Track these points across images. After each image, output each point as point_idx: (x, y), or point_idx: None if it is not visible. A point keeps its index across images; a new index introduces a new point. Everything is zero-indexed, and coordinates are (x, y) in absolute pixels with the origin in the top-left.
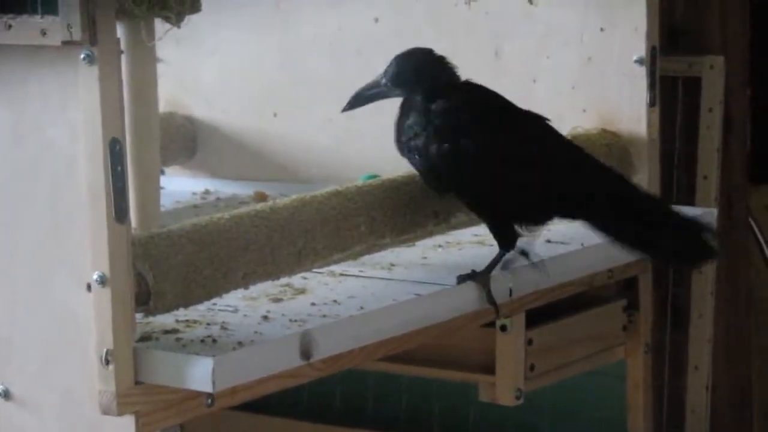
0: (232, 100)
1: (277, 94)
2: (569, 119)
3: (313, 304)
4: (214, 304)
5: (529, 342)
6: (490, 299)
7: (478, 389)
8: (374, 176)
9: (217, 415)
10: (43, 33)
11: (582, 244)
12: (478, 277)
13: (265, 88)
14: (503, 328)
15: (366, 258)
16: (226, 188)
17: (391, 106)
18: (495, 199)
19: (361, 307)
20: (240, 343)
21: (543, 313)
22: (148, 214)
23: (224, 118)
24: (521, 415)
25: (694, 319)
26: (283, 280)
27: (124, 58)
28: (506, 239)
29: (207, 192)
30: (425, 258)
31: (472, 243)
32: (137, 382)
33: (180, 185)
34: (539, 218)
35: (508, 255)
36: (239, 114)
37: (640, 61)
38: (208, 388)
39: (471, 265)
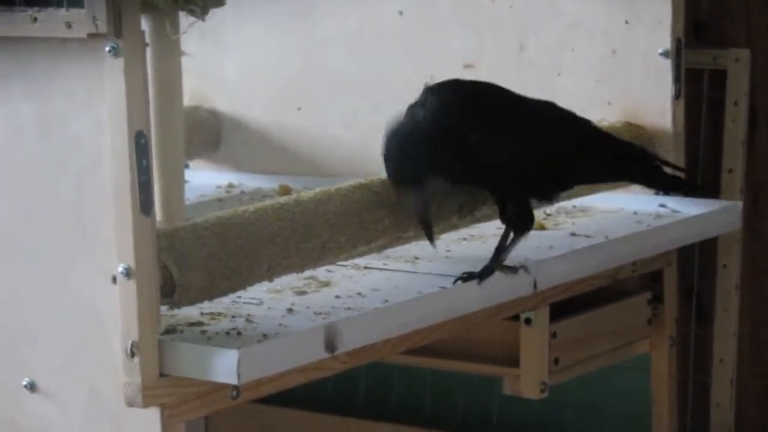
0: (256, 94)
1: (300, 89)
2: (594, 112)
3: (337, 296)
4: (239, 296)
5: (554, 335)
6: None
7: (502, 382)
8: None
9: (242, 409)
10: (69, 26)
11: (606, 237)
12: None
13: (289, 82)
14: (528, 321)
15: (390, 251)
16: (250, 182)
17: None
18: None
19: (386, 300)
20: (265, 336)
21: (567, 306)
22: (172, 208)
23: (248, 112)
24: (545, 408)
25: (720, 313)
26: (308, 273)
27: (148, 51)
28: (523, 219)
29: (231, 185)
30: (449, 251)
31: (496, 236)
32: (162, 375)
33: (204, 179)
34: (550, 191)
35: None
36: (263, 108)
37: (665, 54)
38: (233, 380)
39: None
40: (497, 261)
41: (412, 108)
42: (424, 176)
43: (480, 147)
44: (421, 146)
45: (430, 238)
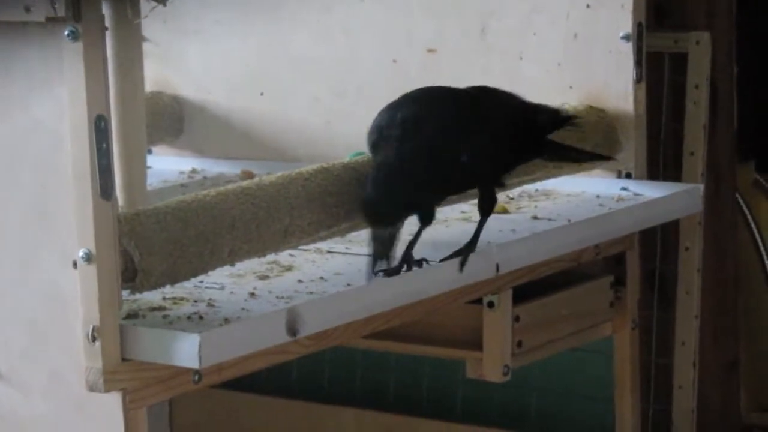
0: (219, 80)
1: (264, 74)
2: (556, 96)
3: (299, 281)
4: (201, 281)
5: (517, 319)
6: (463, 263)
7: (465, 366)
8: (362, 153)
9: (207, 395)
10: (27, 9)
11: (568, 220)
12: (465, 251)
13: (252, 68)
14: (490, 304)
15: (352, 235)
16: (212, 167)
17: (380, 84)
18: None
19: (348, 284)
20: (226, 320)
21: (530, 289)
22: (134, 193)
23: (211, 98)
24: (509, 392)
25: (681, 296)
26: (270, 258)
27: (109, 36)
28: (490, 204)
29: (194, 171)
30: (411, 235)
31: (459, 219)
32: (124, 359)
33: (167, 164)
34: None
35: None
36: (226, 93)
37: (626, 38)
38: (194, 364)
39: (458, 241)
40: (473, 246)
41: (385, 133)
42: (402, 215)
43: (471, 163)
44: (408, 184)
45: (375, 268)
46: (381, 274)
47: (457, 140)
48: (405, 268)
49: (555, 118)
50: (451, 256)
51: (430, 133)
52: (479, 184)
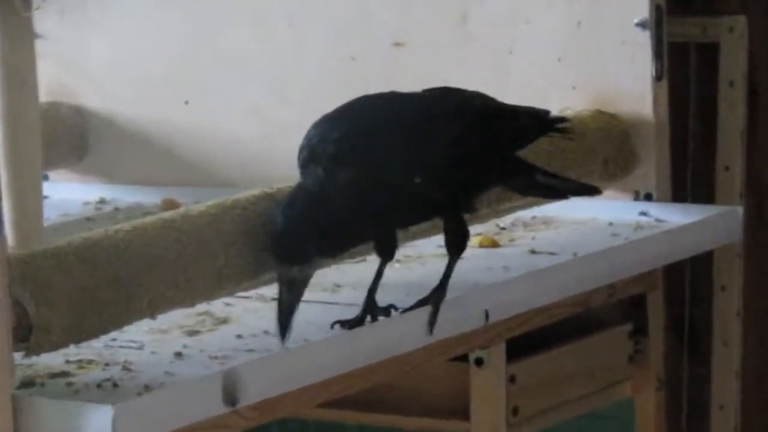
0: (131, 86)
1: (188, 77)
2: (556, 98)
3: (238, 336)
4: (114, 339)
5: (511, 379)
6: (432, 320)
7: None
8: None
9: None
10: None
11: (574, 254)
12: (434, 296)
13: (173, 70)
14: (479, 362)
15: None
16: (126, 196)
17: (334, 88)
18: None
19: (300, 339)
20: (147, 387)
21: (528, 342)
22: (28, 229)
23: (122, 109)
24: None
25: (718, 347)
26: (201, 307)
27: None
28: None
29: (102, 201)
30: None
31: (437, 256)
32: None
33: (68, 193)
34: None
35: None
36: (141, 103)
37: (642, 25)
38: None
39: (435, 283)
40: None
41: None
42: (323, 252)
43: (423, 186)
44: (332, 214)
45: (285, 328)
46: (338, 325)
47: (405, 158)
48: (369, 318)
49: (536, 121)
50: (414, 306)
51: (368, 150)
52: (441, 212)
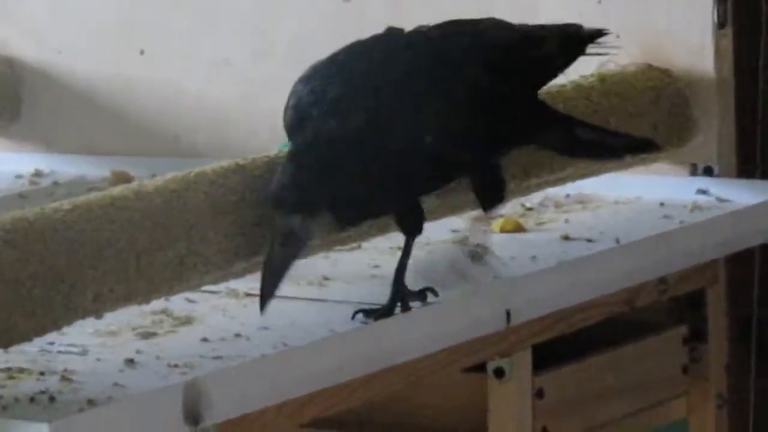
0: (74, 34)
1: (143, 23)
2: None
3: (204, 340)
4: (51, 343)
5: (539, 394)
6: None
7: None
8: None
9: None
10: None
11: (617, 241)
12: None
13: (125, 15)
14: (499, 372)
15: None
16: (67, 167)
17: (322, 36)
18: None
19: (279, 343)
20: (91, 402)
21: (558, 349)
22: None
23: (63, 62)
24: None
25: None
26: (157, 305)
27: None
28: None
29: (38, 173)
30: (377, 266)
31: (448, 240)
32: None
33: None
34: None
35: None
36: (86, 54)
37: None
38: None
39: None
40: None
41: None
42: (329, 212)
43: (439, 146)
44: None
45: (269, 294)
46: (361, 315)
47: (413, 116)
48: (400, 305)
49: (565, 43)
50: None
51: (371, 110)
52: (465, 171)
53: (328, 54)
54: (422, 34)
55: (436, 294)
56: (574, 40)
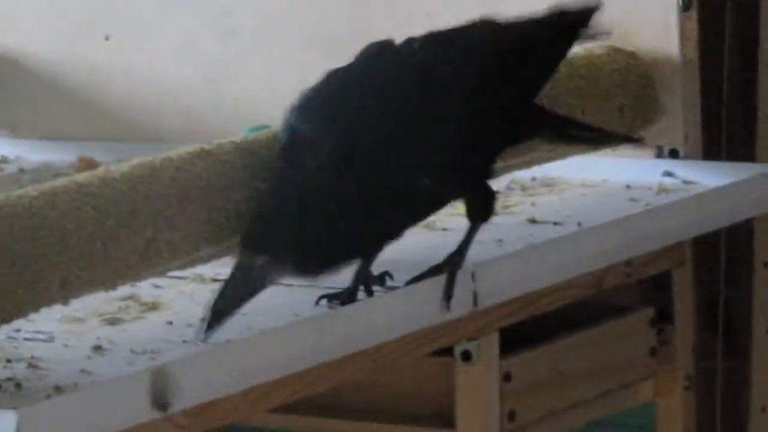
0: (38, 17)
1: (108, 6)
2: None
3: (169, 323)
4: (18, 330)
5: (506, 377)
6: (449, 292)
7: None
8: (264, 128)
9: None
10: None
11: (581, 224)
12: (451, 263)
13: None
14: (466, 356)
15: None
16: (32, 154)
17: (294, 16)
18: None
19: (246, 328)
20: (58, 389)
21: (526, 332)
22: None
23: (27, 45)
24: None
25: (759, 337)
26: (125, 290)
27: None
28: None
29: (4, 159)
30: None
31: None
32: None
33: None
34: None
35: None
36: (50, 38)
37: None
38: None
39: (422, 259)
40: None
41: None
42: (294, 259)
43: (437, 184)
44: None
45: (216, 324)
46: (324, 301)
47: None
48: (362, 290)
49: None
50: (424, 276)
51: (370, 155)
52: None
53: (296, 38)
54: (416, 57)
55: (391, 277)
56: (564, 30)
